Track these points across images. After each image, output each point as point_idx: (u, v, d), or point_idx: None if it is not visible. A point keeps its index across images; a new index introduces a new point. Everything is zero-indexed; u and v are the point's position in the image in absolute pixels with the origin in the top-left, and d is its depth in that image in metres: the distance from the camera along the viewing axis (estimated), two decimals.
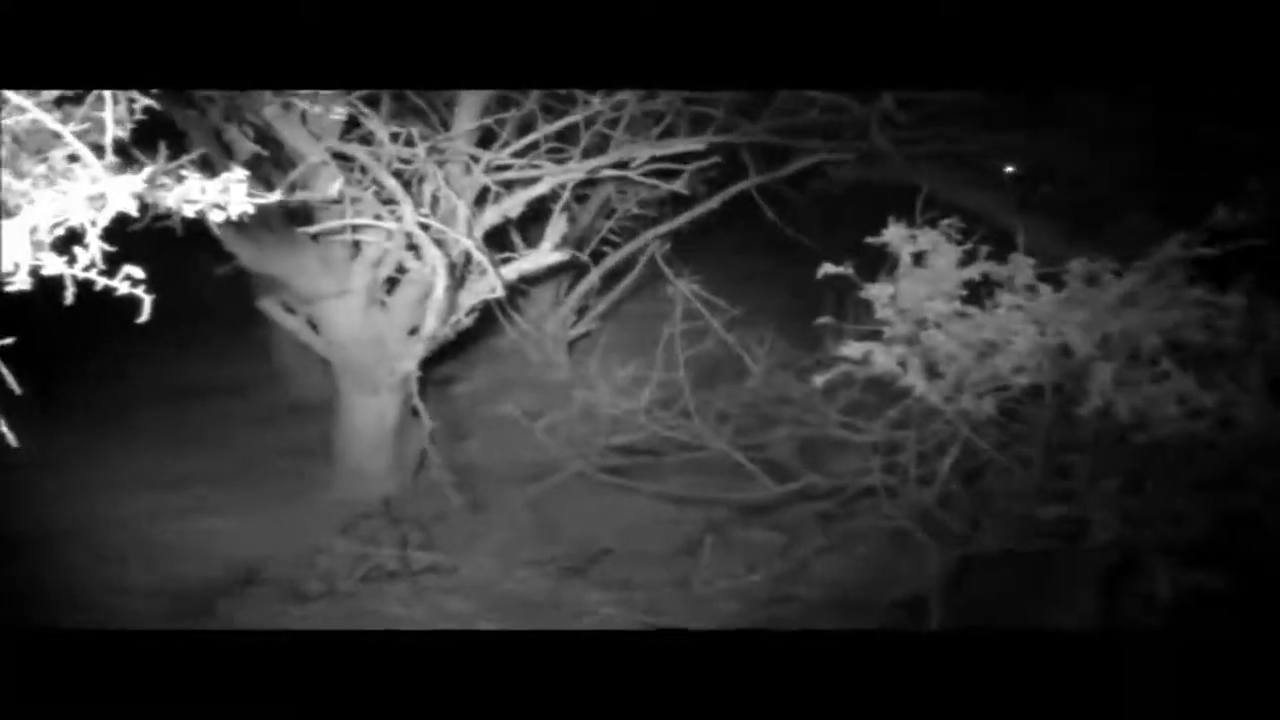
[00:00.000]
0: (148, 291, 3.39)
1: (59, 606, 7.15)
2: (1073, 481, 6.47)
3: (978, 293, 6.49)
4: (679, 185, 8.96)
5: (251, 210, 3.69)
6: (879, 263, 6.53)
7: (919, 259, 6.45)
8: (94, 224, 3.41)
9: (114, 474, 9.20)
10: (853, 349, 6.33)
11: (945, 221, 6.53)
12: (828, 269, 6.34)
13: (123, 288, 3.38)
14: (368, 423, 8.94)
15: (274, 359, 11.24)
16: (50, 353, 3.51)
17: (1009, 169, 11.59)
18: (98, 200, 3.42)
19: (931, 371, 6.40)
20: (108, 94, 3.59)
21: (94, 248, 3.37)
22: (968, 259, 6.47)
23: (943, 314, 6.36)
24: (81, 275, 3.36)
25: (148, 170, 3.49)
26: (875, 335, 6.49)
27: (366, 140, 7.87)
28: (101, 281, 3.38)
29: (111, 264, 3.38)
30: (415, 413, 8.14)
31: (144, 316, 3.42)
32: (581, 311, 11.07)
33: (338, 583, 7.91)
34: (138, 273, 3.39)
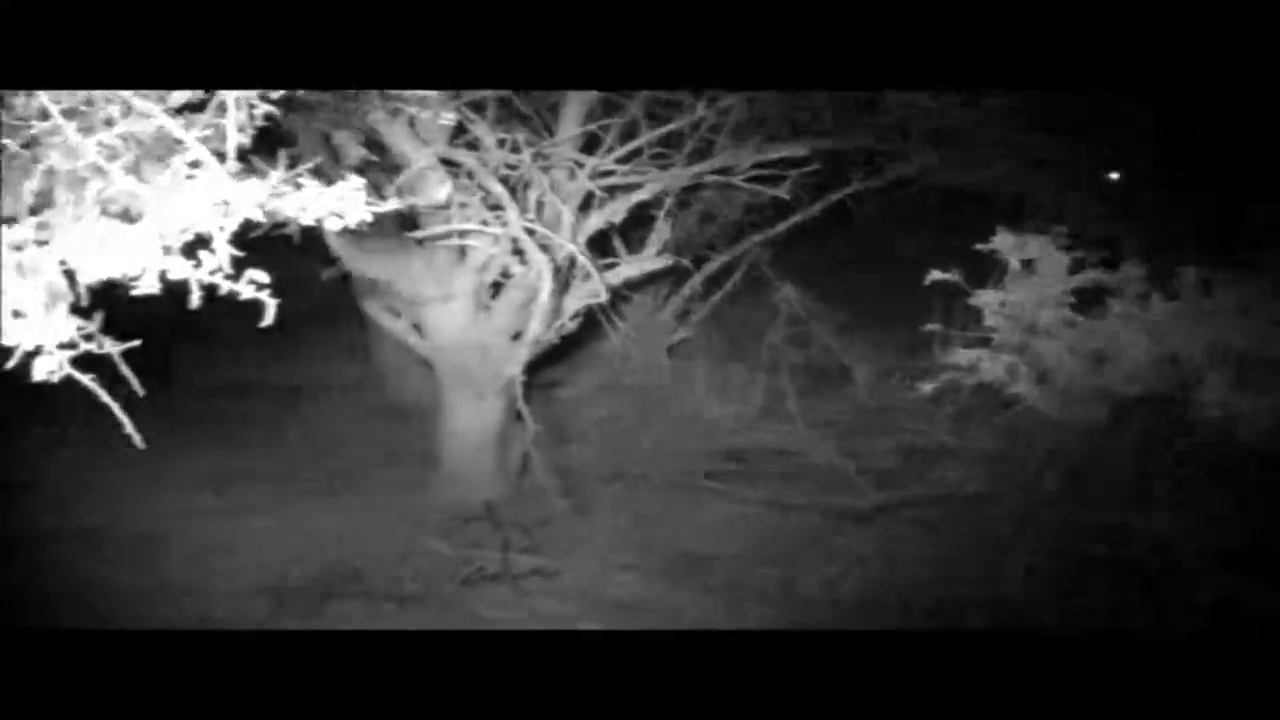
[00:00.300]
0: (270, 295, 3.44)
1: (162, 604, 7.28)
2: (1171, 490, 6.40)
3: (1085, 300, 6.45)
4: (782, 191, 8.93)
5: (370, 219, 3.73)
6: (980, 269, 6.50)
7: (1028, 266, 6.42)
8: (221, 229, 3.46)
9: (215, 474, 9.31)
10: (961, 356, 6.31)
11: (1056, 229, 6.50)
12: (936, 275, 6.33)
13: (246, 292, 3.43)
14: (471, 426, 8.99)
15: (373, 362, 11.34)
16: (155, 355, 3.57)
17: (1114, 175, 11.43)
18: (224, 206, 3.47)
19: (1041, 379, 6.37)
20: (230, 101, 3.64)
21: (221, 253, 3.42)
22: (1076, 266, 6.43)
23: (1051, 321, 6.32)
24: (207, 280, 3.41)
25: (274, 176, 3.54)
26: (983, 342, 6.47)
27: (473, 146, 7.92)
28: (226, 286, 3.43)
29: (234, 269, 3.44)
30: (519, 416, 8.18)
31: (268, 320, 3.47)
32: (682, 317, 11.06)
33: (438, 585, 7.97)
34: (262, 277, 3.44)
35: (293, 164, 3.92)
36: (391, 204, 4.18)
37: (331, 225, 3.72)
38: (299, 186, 3.69)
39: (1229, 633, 6.57)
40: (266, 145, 4.08)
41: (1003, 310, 6.34)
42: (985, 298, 6.35)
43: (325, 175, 3.77)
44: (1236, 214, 8.23)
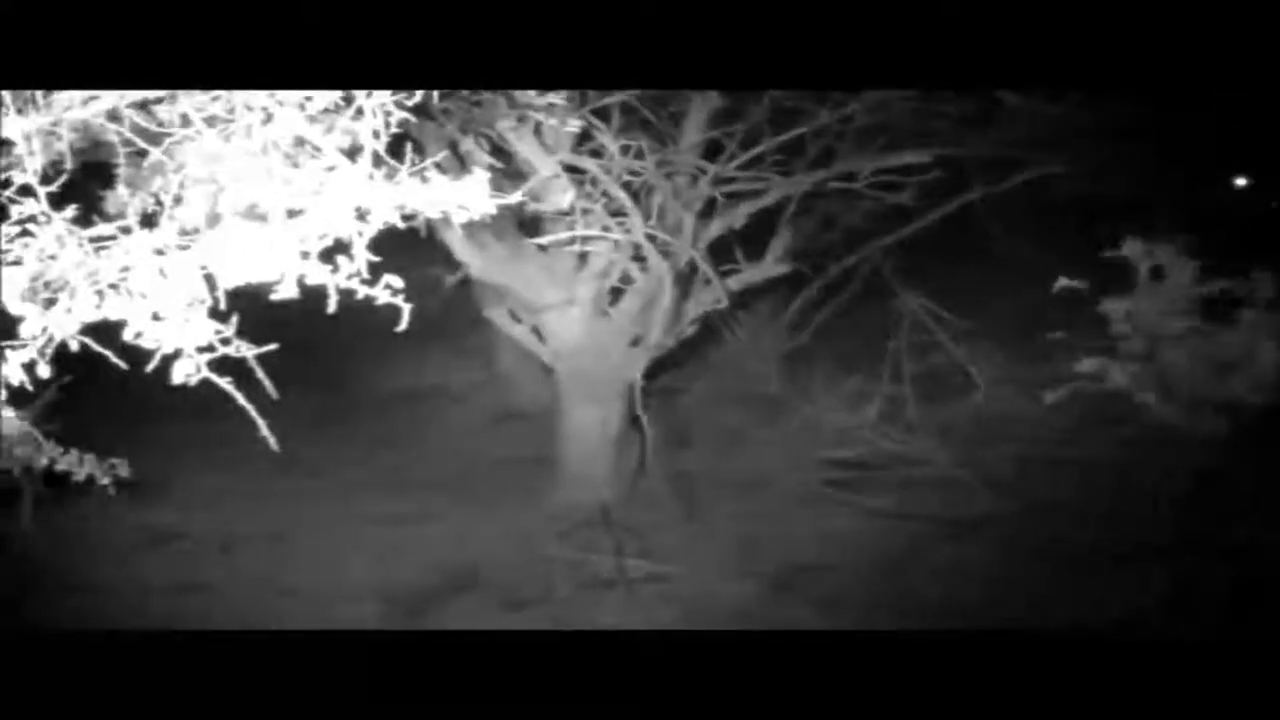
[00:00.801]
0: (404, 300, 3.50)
1: (274, 607, 7.42)
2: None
3: (1213, 309, 6.37)
4: (904, 198, 8.88)
5: (494, 211, 3.78)
6: (1105, 277, 6.44)
7: (1156, 274, 6.36)
8: (360, 235, 3.52)
9: (337, 477, 9.45)
10: (1087, 365, 6.25)
11: (1184, 236, 6.42)
12: (1064, 283, 6.28)
13: (383, 297, 3.49)
14: (589, 430, 9.04)
15: (495, 367, 11.44)
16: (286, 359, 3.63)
17: (1240, 181, 11.26)
18: (361, 212, 3.54)
19: (1167, 390, 6.29)
20: (366, 107, 3.71)
21: (360, 258, 3.49)
22: (1205, 274, 6.35)
23: (1178, 329, 6.25)
24: (344, 285, 3.47)
25: (402, 173, 3.60)
26: (1108, 351, 6.41)
27: (597, 153, 7.97)
28: (363, 291, 3.49)
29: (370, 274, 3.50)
30: (635, 421, 8.21)
31: (402, 325, 3.53)
32: (799, 324, 11.03)
33: (553, 589, 8.02)
34: (397, 282, 3.49)
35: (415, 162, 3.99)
36: (514, 197, 4.23)
37: (458, 218, 3.77)
38: (425, 181, 3.75)
39: None
40: (393, 147, 4.16)
41: (1129, 318, 6.26)
42: (1111, 305, 6.29)
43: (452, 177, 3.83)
44: None
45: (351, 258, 3.50)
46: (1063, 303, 6.41)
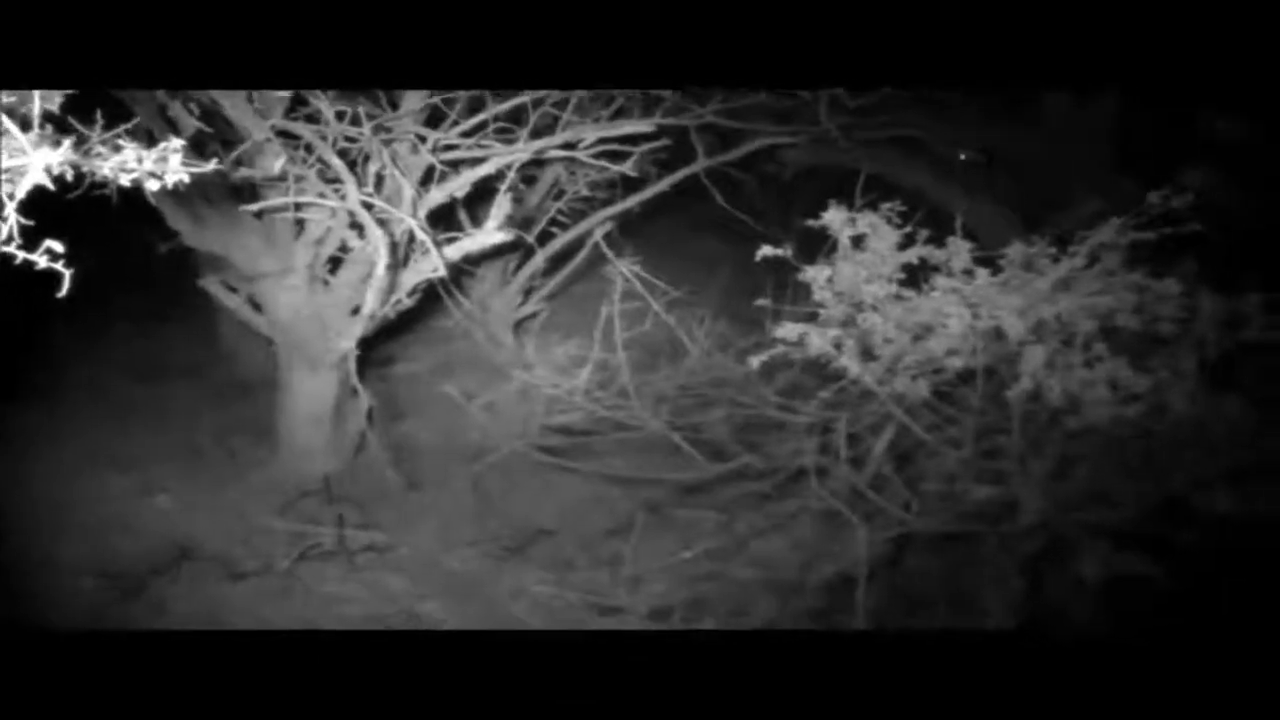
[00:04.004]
0: (71, 265, 3.38)
1: None
2: (1004, 464, 6.54)
3: (916, 276, 6.55)
4: (627, 167, 8.92)
5: (187, 179, 3.68)
6: (813, 246, 6.58)
7: (858, 242, 6.50)
8: (11, 198, 3.39)
9: (59, 453, 9.13)
10: (788, 330, 6.37)
11: (886, 205, 6.58)
12: (766, 251, 6.39)
13: (42, 261, 3.36)
14: (307, 401, 8.92)
15: (220, 338, 11.16)
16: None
17: (963, 155, 11.64)
18: (16, 173, 3.41)
19: (867, 354, 6.46)
20: None
21: (11, 221, 3.36)
22: (907, 242, 6.52)
23: (879, 297, 6.41)
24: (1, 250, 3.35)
25: (65, 145, 3.47)
26: (814, 317, 6.54)
27: (313, 119, 7.82)
28: (20, 255, 3.36)
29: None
30: (355, 392, 8.12)
31: (63, 291, 3.41)
32: (529, 293, 11.04)
33: (274, 561, 7.93)
34: (57, 246, 3.37)
35: (112, 126, 3.86)
36: (210, 165, 4.13)
37: (151, 186, 3.67)
38: (118, 149, 3.64)
39: (1058, 606, 6.80)
40: (92, 109, 4.02)
41: (830, 285, 6.40)
42: (813, 273, 6.42)
43: (157, 142, 3.72)
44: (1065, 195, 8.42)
45: (5, 219, 3.36)
46: (772, 270, 6.51)
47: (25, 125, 3.50)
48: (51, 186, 3.43)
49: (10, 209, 3.37)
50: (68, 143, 3.50)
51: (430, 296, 9.30)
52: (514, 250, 10.52)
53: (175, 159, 3.64)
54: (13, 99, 3.58)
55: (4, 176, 3.41)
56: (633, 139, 8.76)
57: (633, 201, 10.29)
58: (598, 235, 8.51)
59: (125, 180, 3.66)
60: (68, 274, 3.38)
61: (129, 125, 3.82)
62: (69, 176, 3.52)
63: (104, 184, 3.81)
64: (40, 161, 3.40)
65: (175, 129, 7.37)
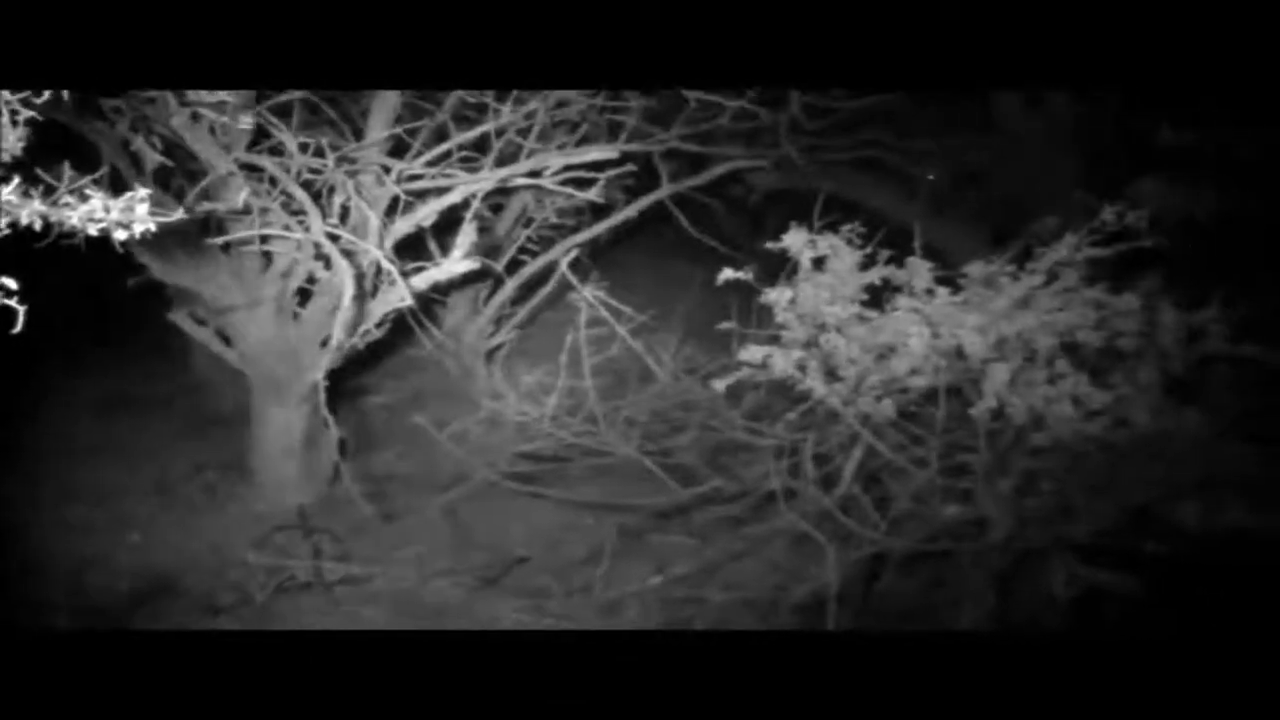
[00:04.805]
0: (26, 301, 3.40)
1: None
2: (971, 482, 6.57)
3: (879, 297, 6.59)
4: (593, 194, 8.96)
5: (154, 229, 3.71)
6: (774, 269, 6.61)
7: (819, 263, 6.54)
8: None
9: (31, 487, 9.11)
10: (752, 353, 6.41)
11: (847, 226, 6.62)
12: (727, 274, 6.42)
13: None
14: (278, 434, 8.93)
15: (194, 372, 11.15)
16: None
17: (930, 175, 11.72)
18: None
19: (831, 374, 6.49)
20: None
21: None
22: (869, 263, 6.57)
23: (842, 317, 6.45)
24: None
25: (30, 207, 3.50)
26: (777, 340, 6.58)
27: (277, 151, 7.85)
28: None
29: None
30: (326, 424, 8.13)
31: (18, 328, 3.42)
32: (500, 321, 11.05)
33: (251, 594, 7.93)
34: (11, 283, 3.39)
35: (79, 171, 3.89)
36: (178, 215, 4.16)
37: (119, 236, 3.69)
38: (85, 198, 3.66)
39: (1029, 622, 6.82)
40: (60, 155, 4.04)
41: (793, 307, 6.44)
42: (774, 295, 6.46)
43: (124, 180, 3.76)
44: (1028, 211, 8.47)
45: None
46: (738, 293, 6.54)
47: None
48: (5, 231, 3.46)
49: None
50: (33, 201, 3.53)
51: (402, 327, 9.32)
52: (484, 279, 10.53)
53: (142, 208, 3.67)
54: None
55: None
56: (598, 165, 8.78)
57: (600, 228, 10.33)
58: (564, 263, 8.50)
59: (93, 230, 3.68)
60: (21, 310, 3.41)
61: (95, 175, 3.85)
62: (36, 227, 3.55)
63: (72, 234, 3.82)
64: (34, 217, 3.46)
65: (139, 163, 7.40)
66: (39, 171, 3.70)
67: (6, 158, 3.54)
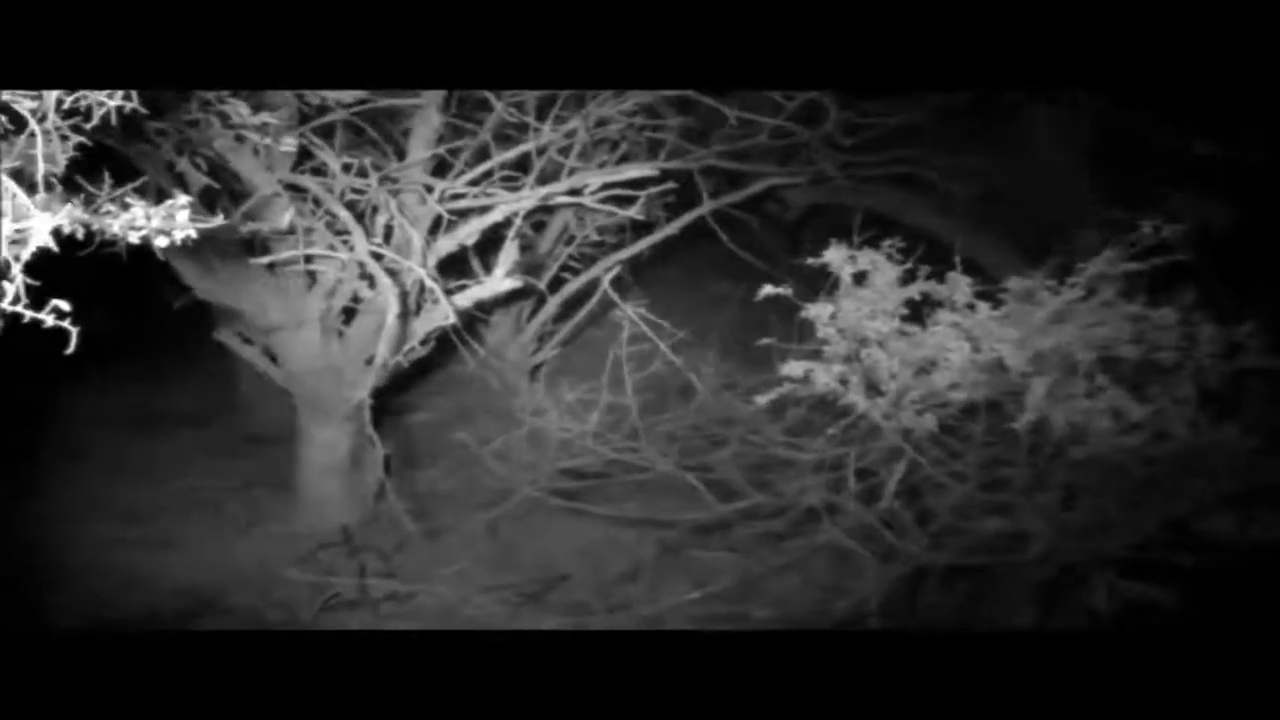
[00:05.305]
0: (79, 323, 3.46)
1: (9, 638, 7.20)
2: (1011, 496, 6.58)
3: (919, 311, 6.61)
4: (634, 211, 9.01)
5: (195, 235, 3.77)
6: (816, 284, 6.65)
7: (860, 279, 6.57)
8: (17, 259, 3.48)
9: (74, 505, 9.21)
10: (793, 368, 6.44)
11: (887, 242, 6.65)
12: (767, 290, 6.47)
13: (50, 320, 3.44)
14: (323, 452, 9.00)
15: (237, 391, 11.25)
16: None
17: (967, 189, 11.73)
18: (22, 235, 3.49)
19: (872, 389, 6.52)
20: (38, 131, 3.67)
21: (18, 281, 3.44)
22: (908, 278, 6.59)
23: (883, 332, 6.48)
24: (9, 309, 3.42)
25: (68, 206, 3.56)
26: (819, 355, 6.61)
27: (320, 171, 7.94)
28: (28, 315, 3.44)
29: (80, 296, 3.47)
30: (372, 442, 8.19)
31: (70, 349, 3.48)
32: (543, 338, 11.12)
33: (297, 612, 7.99)
34: (65, 305, 3.45)
35: (120, 185, 3.95)
36: (218, 220, 4.22)
37: (160, 243, 3.75)
38: (126, 206, 3.72)
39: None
40: (101, 169, 4.11)
41: (833, 322, 6.47)
42: (815, 310, 6.49)
43: (166, 198, 3.81)
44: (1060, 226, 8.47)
45: (12, 280, 3.45)
46: (776, 310, 6.58)
47: (32, 188, 3.60)
48: (56, 249, 3.52)
49: (16, 270, 3.45)
50: (68, 205, 3.59)
51: (446, 345, 9.39)
52: (526, 297, 10.61)
53: (183, 215, 3.73)
54: (18, 163, 3.68)
55: (11, 239, 3.50)
56: (638, 183, 8.83)
57: (641, 245, 10.39)
58: (606, 280, 8.55)
59: (134, 238, 3.73)
60: (74, 331, 3.47)
61: (136, 184, 3.92)
62: (79, 235, 3.62)
63: (113, 242, 3.88)
64: (45, 225, 3.49)
65: (184, 185, 7.49)
66: (79, 179, 3.77)
67: (43, 181, 3.60)
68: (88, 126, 3.85)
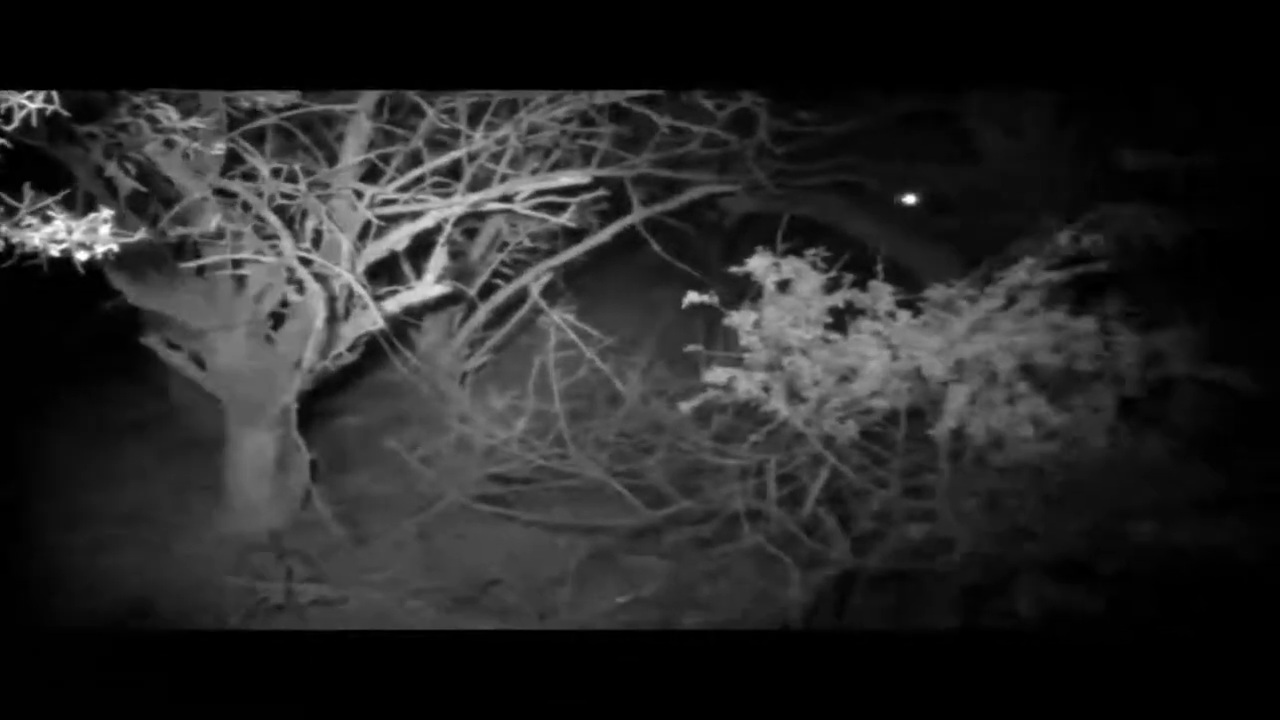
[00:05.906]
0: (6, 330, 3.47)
1: None
2: (933, 502, 6.64)
3: (843, 320, 6.66)
4: (566, 218, 9.02)
5: (116, 249, 3.76)
6: (739, 292, 6.69)
7: (784, 287, 6.61)
8: None
9: (6, 512, 9.13)
10: (716, 375, 6.47)
11: (811, 250, 6.69)
12: (692, 298, 6.50)
13: None
14: (251, 456, 8.96)
15: (171, 396, 11.18)
16: None
17: (906, 198, 11.83)
18: None
19: (794, 396, 6.56)
20: None
21: None
22: (833, 286, 6.64)
23: (805, 340, 6.52)
24: None
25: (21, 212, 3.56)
26: (737, 362, 6.65)
27: (250, 176, 7.90)
28: None
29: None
30: (298, 446, 8.17)
31: None
32: (474, 345, 11.11)
33: (225, 617, 7.95)
34: None
35: (43, 194, 3.93)
36: (140, 234, 4.21)
37: (80, 256, 3.74)
38: (47, 219, 3.71)
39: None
40: (23, 179, 4.08)
41: (757, 329, 6.51)
42: (738, 318, 6.53)
43: (98, 206, 3.79)
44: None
45: None
46: (705, 317, 6.63)
47: None
48: None
49: None
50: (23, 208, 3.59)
51: (378, 350, 9.36)
52: (458, 303, 10.61)
53: (105, 229, 3.73)
54: None
55: None
56: (571, 190, 8.84)
57: (573, 252, 10.41)
58: (536, 287, 8.57)
59: (55, 251, 3.72)
60: None
61: (58, 196, 3.90)
62: None
63: (34, 254, 3.87)
64: None
65: (113, 189, 7.45)
66: (0, 195, 3.75)
67: None
68: (8, 129, 3.83)
